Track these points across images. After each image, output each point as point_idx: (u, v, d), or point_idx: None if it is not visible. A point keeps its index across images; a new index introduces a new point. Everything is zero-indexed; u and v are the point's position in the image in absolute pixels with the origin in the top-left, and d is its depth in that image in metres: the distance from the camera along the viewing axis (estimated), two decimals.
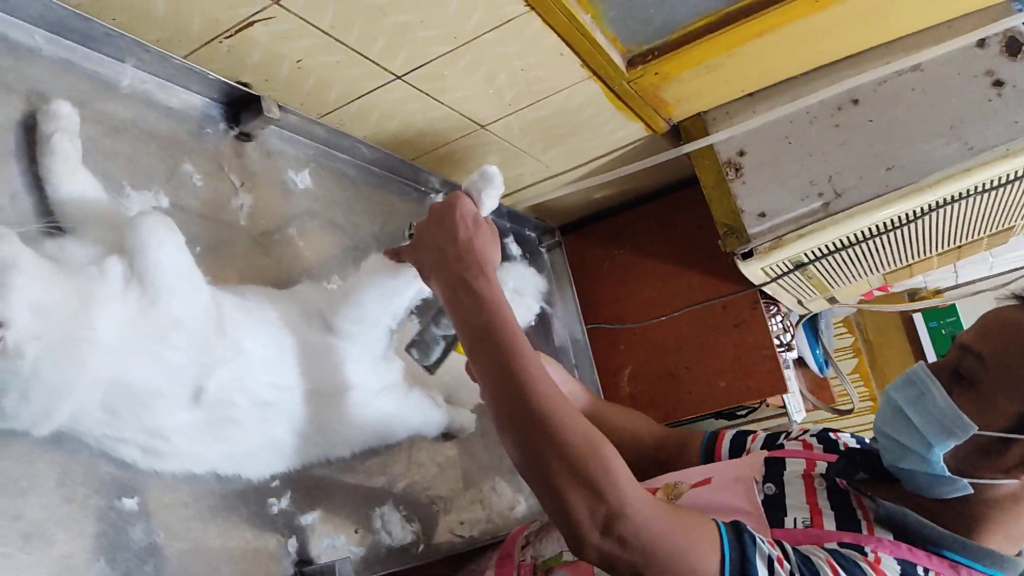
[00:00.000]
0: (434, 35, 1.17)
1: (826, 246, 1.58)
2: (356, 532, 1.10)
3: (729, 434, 1.22)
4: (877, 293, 2.32)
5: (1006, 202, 1.59)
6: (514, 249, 1.81)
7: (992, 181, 1.44)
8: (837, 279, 1.85)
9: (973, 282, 2.86)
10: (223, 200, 1.09)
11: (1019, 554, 0.90)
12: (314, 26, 1.09)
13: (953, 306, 3.17)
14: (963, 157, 1.42)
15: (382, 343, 1.13)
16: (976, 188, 1.45)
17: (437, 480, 1.30)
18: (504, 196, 1.06)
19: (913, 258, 1.86)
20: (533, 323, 1.64)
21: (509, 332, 0.89)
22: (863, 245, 1.61)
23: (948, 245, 1.82)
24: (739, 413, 2.13)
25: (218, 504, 0.93)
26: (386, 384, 1.15)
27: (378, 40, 1.16)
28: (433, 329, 1.10)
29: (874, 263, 1.80)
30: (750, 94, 1.60)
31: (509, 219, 1.87)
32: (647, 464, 1.21)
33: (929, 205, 1.49)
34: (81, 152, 0.87)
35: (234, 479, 0.95)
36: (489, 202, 1.03)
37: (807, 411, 2.20)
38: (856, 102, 1.52)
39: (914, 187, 1.46)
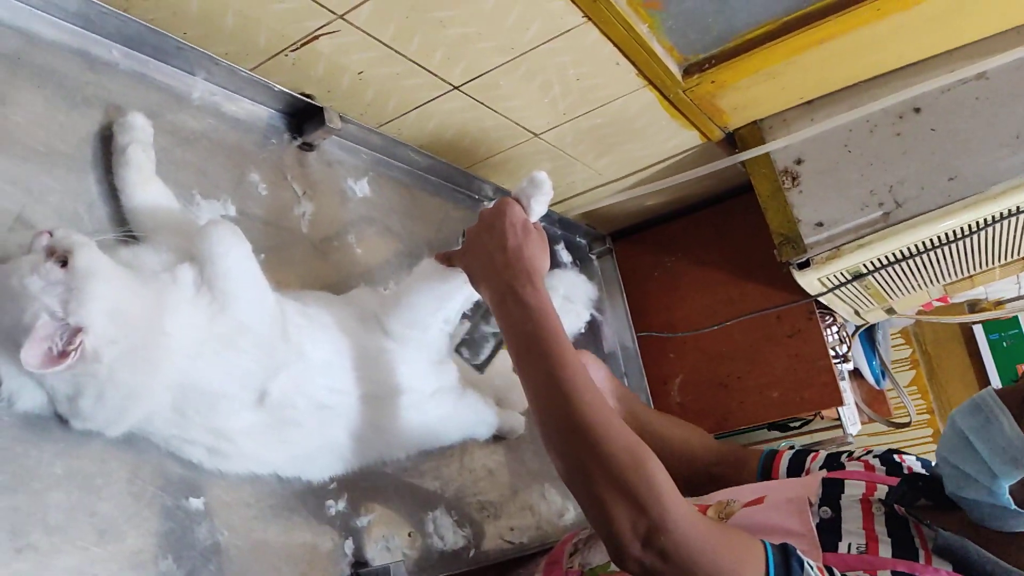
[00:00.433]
0: (492, 46, 1.19)
1: (886, 257, 1.55)
2: (409, 535, 1.11)
3: (788, 454, 1.19)
4: (936, 304, 2.27)
5: None
6: (565, 256, 1.82)
7: None
8: (896, 290, 1.81)
9: None
10: (286, 208, 1.12)
11: None
12: (376, 39, 1.12)
13: (1015, 318, 3.06)
14: None
15: (437, 346, 1.15)
16: None
17: (487, 486, 1.31)
18: (555, 203, 1.07)
19: (975, 269, 1.81)
20: (583, 330, 1.64)
21: (555, 341, 0.90)
22: (924, 256, 1.58)
23: (1011, 256, 1.77)
24: (792, 425, 2.09)
25: (279, 505, 0.95)
26: (441, 386, 1.16)
27: (437, 52, 1.18)
28: (483, 327, 1.11)
29: (935, 274, 1.75)
30: (808, 101, 1.58)
31: (560, 226, 1.87)
32: (701, 479, 1.20)
33: (993, 216, 1.45)
34: (154, 162, 0.91)
35: (294, 480, 0.98)
36: (538, 208, 1.04)
37: (863, 424, 2.16)
38: (918, 110, 1.49)
39: (978, 197, 1.43)
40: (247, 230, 0.91)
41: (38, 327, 0.69)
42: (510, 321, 0.93)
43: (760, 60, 1.35)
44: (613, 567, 1.02)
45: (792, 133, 1.57)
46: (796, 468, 1.17)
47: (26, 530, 0.71)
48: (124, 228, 0.87)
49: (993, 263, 1.79)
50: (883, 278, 1.66)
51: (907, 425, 2.29)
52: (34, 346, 0.69)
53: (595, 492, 0.81)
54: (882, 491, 0.98)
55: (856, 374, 2.27)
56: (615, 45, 1.23)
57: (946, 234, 1.49)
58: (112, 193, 0.89)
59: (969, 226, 1.47)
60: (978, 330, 3.08)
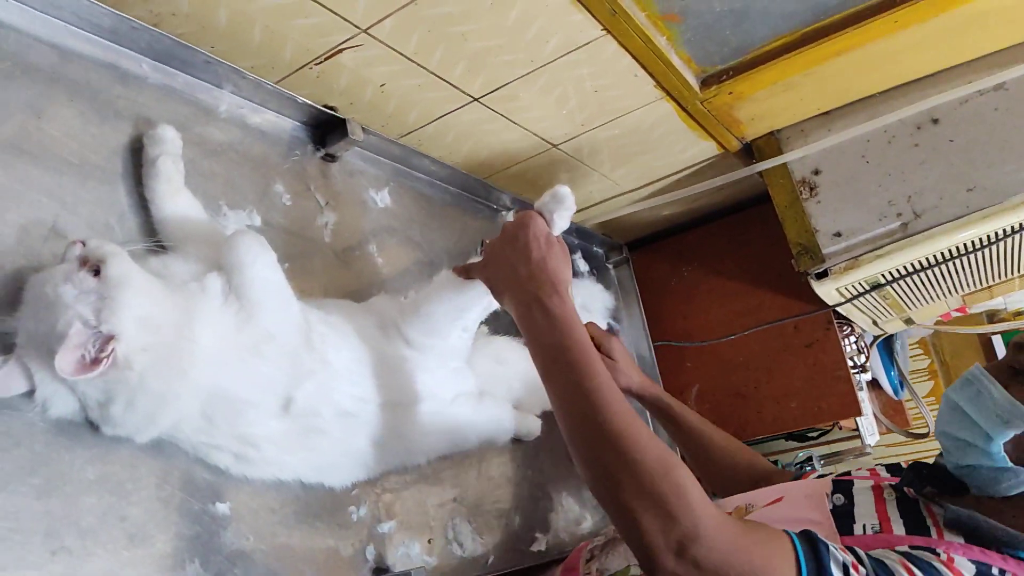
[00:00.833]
0: (512, 59, 1.20)
1: (904, 267, 1.55)
2: (429, 542, 1.13)
3: (813, 475, 1.23)
4: (955, 314, 2.26)
5: None
6: (582, 265, 1.83)
7: None
8: (915, 300, 1.81)
9: None
10: (309, 218, 1.14)
11: None
12: (399, 52, 1.13)
13: None
14: None
15: (456, 354, 1.16)
16: None
17: (505, 493, 1.32)
18: (573, 213, 1.08)
19: (994, 279, 1.80)
20: None
21: (582, 351, 0.90)
22: (942, 267, 1.57)
23: None
24: (810, 435, 2.09)
25: (302, 510, 0.97)
26: (460, 392, 1.18)
27: (458, 65, 1.19)
28: None
29: (953, 284, 1.75)
30: (826, 112, 1.58)
31: (577, 235, 1.89)
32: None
33: (1012, 227, 1.45)
34: (183, 174, 0.93)
35: (317, 487, 0.99)
36: (561, 222, 1.06)
37: (881, 434, 2.15)
38: (936, 121, 1.49)
39: (996, 208, 1.42)
40: (272, 240, 0.92)
41: (72, 335, 0.71)
42: (536, 332, 0.94)
43: (778, 72, 1.36)
44: (633, 572, 1.04)
45: (810, 143, 1.58)
46: None
47: (60, 533, 0.73)
48: (154, 238, 0.89)
49: (1012, 274, 1.78)
50: (901, 288, 1.66)
51: (925, 436, 2.27)
52: (68, 353, 0.70)
53: (625, 501, 0.81)
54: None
55: (874, 384, 2.26)
56: (633, 57, 1.25)
57: (964, 245, 1.49)
58: (142, 204, 0.91)
59: (988, 237, 1.47)
60: (997, 340, 3.05)
